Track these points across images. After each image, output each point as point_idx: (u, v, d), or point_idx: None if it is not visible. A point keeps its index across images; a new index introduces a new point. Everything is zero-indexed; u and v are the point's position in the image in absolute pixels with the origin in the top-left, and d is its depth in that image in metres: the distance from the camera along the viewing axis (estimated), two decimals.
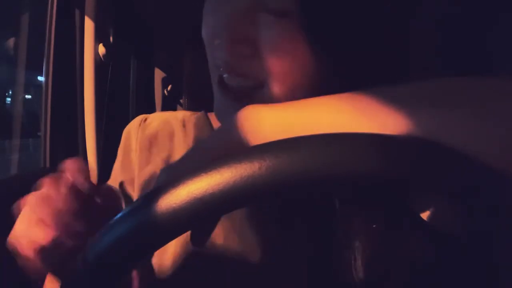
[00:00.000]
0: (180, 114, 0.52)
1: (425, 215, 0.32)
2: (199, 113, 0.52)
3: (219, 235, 0.41)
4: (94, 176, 0.99)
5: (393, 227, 0.35)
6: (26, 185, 0.78)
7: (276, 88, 0.34)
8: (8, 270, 0.59)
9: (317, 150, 0.20)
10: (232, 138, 0.27)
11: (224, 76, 0.36)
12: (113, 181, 0.50)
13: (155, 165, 0.47)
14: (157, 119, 0.51)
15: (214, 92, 0.39)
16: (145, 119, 0.52)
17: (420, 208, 0.31)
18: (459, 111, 0.22)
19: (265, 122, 0.26)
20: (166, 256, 0.42)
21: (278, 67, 0.33)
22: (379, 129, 0.23)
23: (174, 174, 0.26)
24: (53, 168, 0.91)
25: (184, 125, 0.50)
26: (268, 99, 0.34)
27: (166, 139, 0.49)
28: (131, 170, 0.49)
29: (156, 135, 0.49)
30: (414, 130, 0.22)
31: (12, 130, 1.29)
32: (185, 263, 0.41)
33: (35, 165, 1.02)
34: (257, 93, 0.35)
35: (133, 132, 0.51)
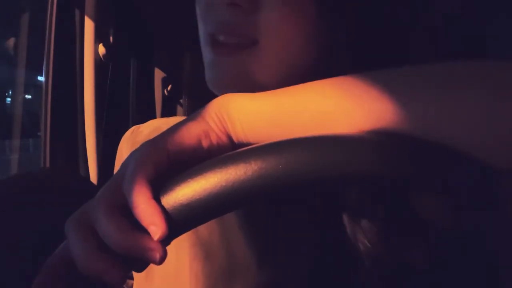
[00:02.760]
0: (172, 120, 0.51)
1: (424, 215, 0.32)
2: None
3: (211, 244, 0.41)
4: (94, 177, 0.99)
5: (394, 228, 0.35)
6: (26, 185, 0.78)
7: (269, 45, 0.32)
8: (7, 269, 0.59)
9: (303, 153, 0.20)
10: (205, 128, 0.25)
11: (220, 37, 0.34)
12: None
13: None
14: (149, 126, 0.51)
15: (205, 58, 0.36)
16: (138, 128, 0.52)
17: (419, 207, 0.31)
18: (454, 98, 0.21)
19: (245, 110, 0.26)
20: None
21: (276, 23, 0.32)
22: (366, 117, 0.22)
23: (143, 152, 0.25)
24: (53, 168, 0.91)
25: None
26: (260, 57, 0.33)
27: None
28: None
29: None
30: (402, 118, 0.22)
31: (12, 130, 1.29)
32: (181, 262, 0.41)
33: (35, 165, 1.02)
34: (250, 50, 0.33)
35: (125, 141, 0.51)
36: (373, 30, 0.35)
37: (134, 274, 0.46)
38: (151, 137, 0.48)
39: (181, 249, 0.40)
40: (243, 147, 0.23)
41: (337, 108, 0.23)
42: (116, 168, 0.52)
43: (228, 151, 0.23)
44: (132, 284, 0.49)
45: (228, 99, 0.27)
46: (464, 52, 0.45)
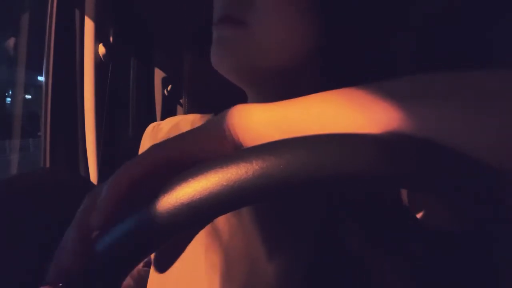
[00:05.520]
0: (191, 117, 0.54)
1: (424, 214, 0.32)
2: (209, 115, 0.53)
3: (225, 233, 0.41)
4: (94, 177, 0.99)
5: (393, 229, 0.35)
6: (26, 185, 0.78)
7: (261, 26, 0.36)
8: (8, 269, 0.59)
9: (305, 152, 0.20)
10: (221, 136, 0.27)
11: (217, 28, 0.38)
12: None
13: None
14: (169, 123, 0.54)
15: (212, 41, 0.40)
16: (158, 125, 0.54)
17: (419, 206, 0.31)
18: (455, 105, 0.22)
19: (255, 120, 0.27)
20: None
21: (266, 6, 0.35)
22: (372, 124, 0.23)
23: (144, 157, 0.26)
24: (53, 168, 0.91)
25: (192, 126, 0.51)
26: (252, 37, 0.36)
27: None
28: None
29: (168, 137, 0.51)
30: (407, 125, 0.22)
31: (12, 130, 1.29)
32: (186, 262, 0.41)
33: (35, 165, 1.02)
34: (245, 29, 0.37)
35: (147, 138, 0.54)
36: (366, 26, 0.37)
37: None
38: (171, 134, 0.51)
39: (197, 239, 0.41)
40: None
41: (343, 116, 0.24)
42: None
43: None
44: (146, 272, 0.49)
45: (241, 110, 0.28)
46: (462, 55, 0.45)
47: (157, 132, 0.53)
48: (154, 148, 0.27)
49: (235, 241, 0.41)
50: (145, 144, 0.53)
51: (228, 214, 0.41)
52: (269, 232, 0.40)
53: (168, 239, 0.23)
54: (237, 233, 0.41)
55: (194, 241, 0.41)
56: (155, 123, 0.55)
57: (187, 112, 0.93)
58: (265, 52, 0.37)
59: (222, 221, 0.42)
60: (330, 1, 0.36)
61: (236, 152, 0.22)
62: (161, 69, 1.63)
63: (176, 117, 0.56)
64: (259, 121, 0.27)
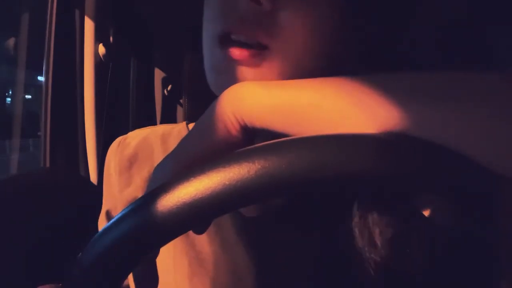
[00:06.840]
0: (160, 129, 0.50)
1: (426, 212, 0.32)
2: (179, 125, 0.51)
3: (210, 259, 0.40)
4: (94, 177, 0.99)
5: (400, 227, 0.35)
6: (26, 185, 0.78)
7: (282, 49, 0.32)
8: (8, 269, 0.59)
9: (307, 152, 0.20)
10: (216, 117, 0.26)
11: (233, 35, 0.32)
12: (103, 211, 0.48)
13: (136, 185, 0.45)
14: (136, 137, 0.49)
15: (211, 61, 0.35)
16: (125, 139, 0.50)
17: (420, 205, 0.31)
18: (457, 106, 0.21)
19: (247, 100, 0.26)
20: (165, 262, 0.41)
21: (293, 25, 0.32)
22: (374, 123, 0.22)
23: (167, 166, 0.26)
24: (53, 168, 0.91)
25: (164, 140, 0.48)
26: (271, 61, 0.32)
27: (146, 157, 0.47)
28: (113, 196, 0.47)
29: (136, 154, 0.48)
30: (407, 123, 0.22)
31: (12, 130, 1.29)
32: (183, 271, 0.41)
33: (35, 165, 1.02)
34: (261, 56, 0.32)
35: (112, 155, 0.48)
36: (387, 43, 0.36)
37: None
38: (139, 149, 0.48)
39: (180, 267, 0.40)
40: (260, 139, 0.23)
41: (349, 114, 0.24)
42: (105, 179, 0.49)
43: (248, 144, 0.23)
44: None
45: (242, 91, 0.27)
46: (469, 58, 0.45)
47: (123, 148, 0.48)
48: (170, 160, 0.27)
49: (218, 266, 0.39)
50: (110, 161, 0.48)
51: (212, 239, 0.40)
52: (251, 253, 0.39)
53: (170, 239, 0.22)
54: (220, 258, 0.40)
55: (177, 268, 0.40)
56: (121, 137, 0.50)
57: (187, 112, 0.93)
58: (283, 75, 0.33)
59: (205, 247, 0.40)
60: (360, 24, 0.34)
61: (238, 151, 0.22)
62: (161, 69, 1.63)
63: (144, 129, 0.52)
64: (263, 105, 0.26)
